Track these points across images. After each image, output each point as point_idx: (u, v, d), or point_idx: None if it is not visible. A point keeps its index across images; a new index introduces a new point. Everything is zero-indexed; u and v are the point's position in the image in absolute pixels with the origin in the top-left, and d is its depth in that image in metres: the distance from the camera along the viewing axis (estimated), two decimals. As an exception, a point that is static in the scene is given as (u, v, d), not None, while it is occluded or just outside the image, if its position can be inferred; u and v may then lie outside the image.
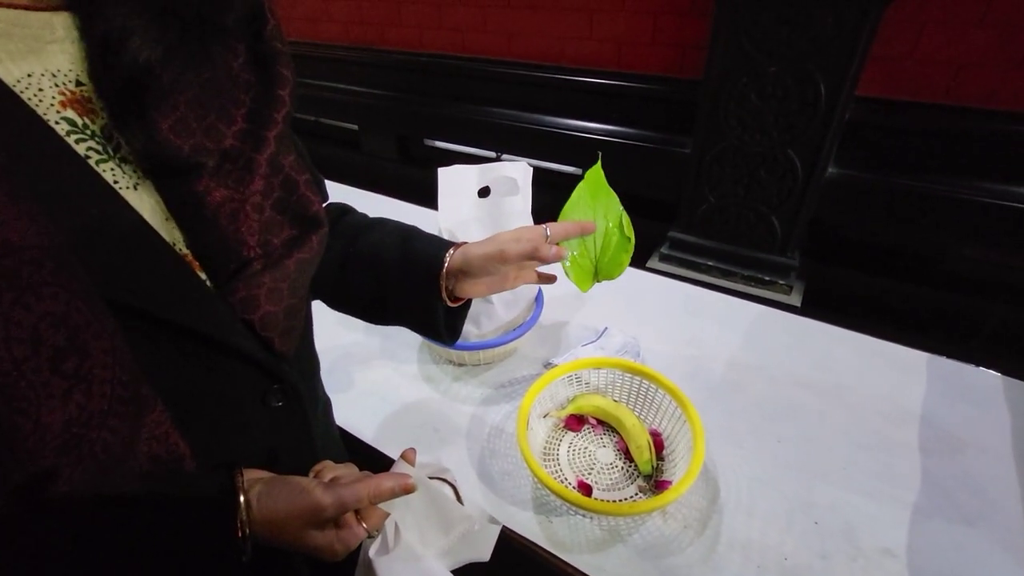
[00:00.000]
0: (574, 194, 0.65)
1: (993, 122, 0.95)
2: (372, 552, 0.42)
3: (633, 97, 1.27)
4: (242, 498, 0.33)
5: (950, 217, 1.02)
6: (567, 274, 0.63)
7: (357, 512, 0.39)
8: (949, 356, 0.82)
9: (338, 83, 1.76)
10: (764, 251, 1.14)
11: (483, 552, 0.47)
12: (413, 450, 0.47)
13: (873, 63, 0.96)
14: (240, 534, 0.33)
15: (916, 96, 1.00)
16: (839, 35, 0.89)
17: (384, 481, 0.39)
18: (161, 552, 0.33)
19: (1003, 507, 0.62)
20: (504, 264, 0.52)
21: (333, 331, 0.92)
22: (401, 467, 0.46)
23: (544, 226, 0.56)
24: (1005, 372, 0.79)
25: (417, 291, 0.53)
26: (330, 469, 0.41)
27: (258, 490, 0.35)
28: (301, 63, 1.98)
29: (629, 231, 0.63)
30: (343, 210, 0.61)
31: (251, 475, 0.36)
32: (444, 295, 0.53)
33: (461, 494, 0.56)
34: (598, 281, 0.64)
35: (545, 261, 0.53)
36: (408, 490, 0.40)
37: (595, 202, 0.64)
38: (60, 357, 0.25)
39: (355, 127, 1.90)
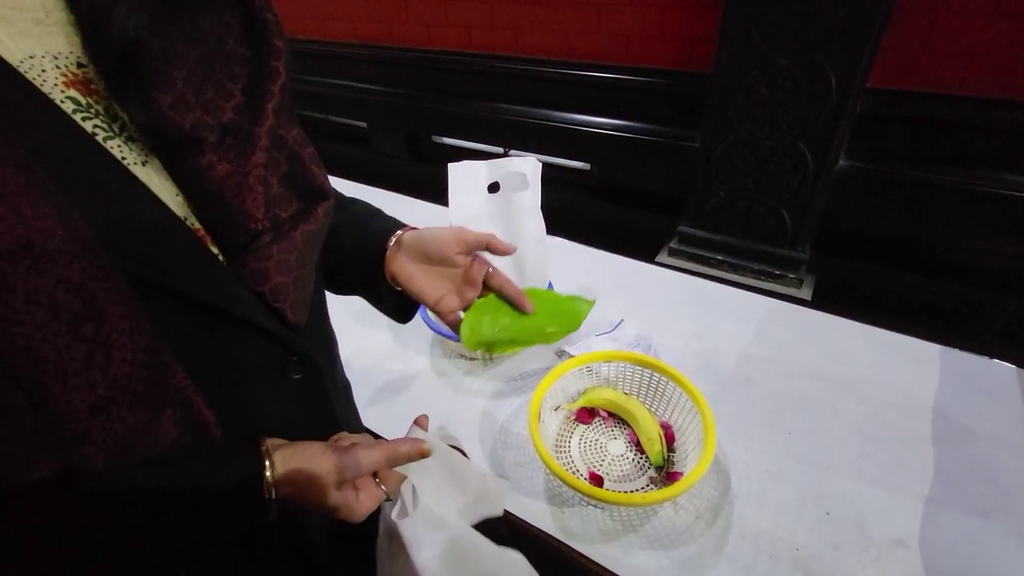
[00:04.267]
0: (545, 293, 0.62)
1: (1007, 112, 0.94)
2: (393, 515, 0.43)
3: (641, 91, 1.27)
4: (267, 461, 0.35)
5: (963, 209, 1.01)
6: (463, 318, 0.57)
7: (376, 476, 0.41)
8: (962, 348, 0.82)
9: (346, 81, 1.77)
10: (774, 245, 1.13)
11: (497, 506, 0.49)
12: (426, 416, 0.49)
13: (885, 54, 0.95)
14: (267, 495, 0.35)
15: (929, 87, 0.99)
16: (850, 26, 0.88)
17: (400, 445, 0.42)
18: (191, 515, 0.34)
19: (1017, 499, 0.62)
20: (458, 247, 0.54)
21: (345, 326, 0.93)
22: (415, 433, 0.47)
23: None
24: (1019, 364, 0.79)
25: (366, 264, 0.55)
26: (347, 438, 0.43)
27: (281, 453, 0.37)
28: (310, 61, 2.00)
29: (555, 340, 0.60)
30: None
31: (273, 442, 0.38)
32: (385, 272, 0.54)
33: (470, 458, 0.57)
34: (482, 348, 0.57)
35: (497, 252, 0.56)
36: (424, 454, 0.43)
37: (555, 318, 0.60)
38: (78, 321, 0.26)
39: (364, 125, 1.91)
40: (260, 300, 0.36)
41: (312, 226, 0.39)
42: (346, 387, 0.57)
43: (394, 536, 0.43)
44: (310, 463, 0.37)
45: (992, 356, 0.80)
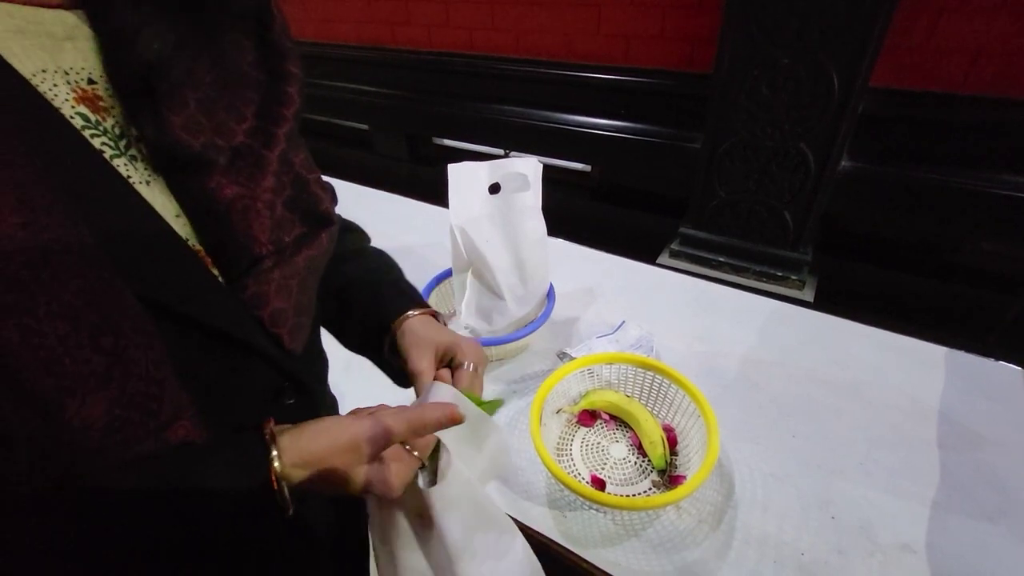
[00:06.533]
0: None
1: (1012, 112, 0.93)
2: (421, 483, 0.39)
3: (642, 92, 1.27)
4: (274, 451, 0.32)
5: (967, 209, 1.01)
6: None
7: (404, 443, 0.37)
8: (967, 350, 0.81)
9: (348, 83, 1.77)
10: (776, 246, 1.13)
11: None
12: (448, 369, 0.45)
13: (887, 53, 0.95)
14: (276, 487, 0.31)
15: (932, 86, 0.98)
16: (852, 24, 0.87)
17: (427, 412, 0.36)
18: (191, 517, 0.32)
19: (1024, 502, 0.61)
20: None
21: (345, 329, 0.93)
22: (439, 391, 0.40)
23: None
24: (1025, 365, 0.78)
25: (368, 332, 0.52)
26: (364, 409, 0.39)
27: (288, 435, 0.33)
28: (312, 64, 2.00)
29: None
30: (345, 228, 0.56)
31: (280, 427, 0.34)
32: (385, 349, 0.50)
33: None
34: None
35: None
36: (456, 420, 0.36)
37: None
38: (97, 333, 0.26)
39: (365, 127, 1.91)
40: (258, 324, 0.35)
41: (315, 251, 0.38)
42: (333, 405, 0.56)
43: (426, 503, 0.37)
44: (328, 439, 0.33)
45: (997, 358, 0.80)
